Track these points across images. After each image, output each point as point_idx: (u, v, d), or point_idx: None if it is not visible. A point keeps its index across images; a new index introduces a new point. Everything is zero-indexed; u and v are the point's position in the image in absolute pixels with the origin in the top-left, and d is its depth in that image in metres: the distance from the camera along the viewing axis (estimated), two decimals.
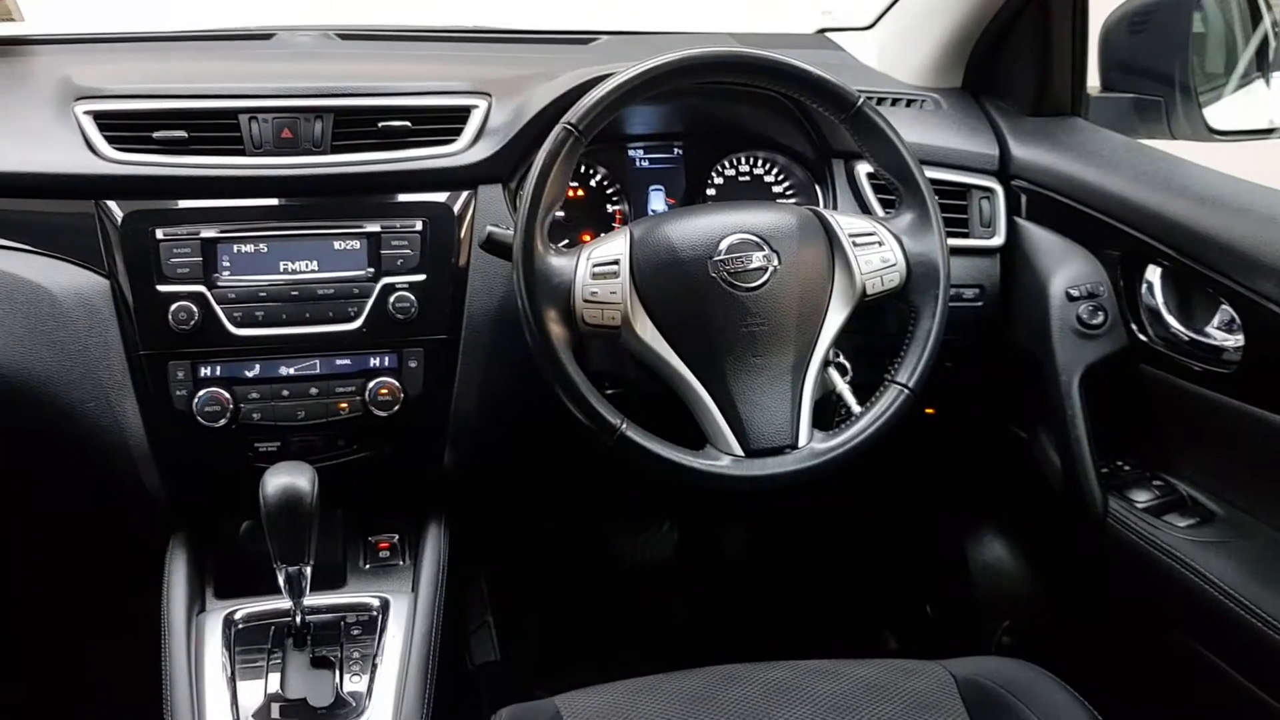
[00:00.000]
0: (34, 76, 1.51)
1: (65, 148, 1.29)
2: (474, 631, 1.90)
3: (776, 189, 1.52)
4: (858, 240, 1.25)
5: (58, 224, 1.27)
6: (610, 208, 1.49)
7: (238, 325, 1.27)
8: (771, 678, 1.20)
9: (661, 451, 1.19)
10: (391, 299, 1.30)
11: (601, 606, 2.08)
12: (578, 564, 2.12)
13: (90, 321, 1.26)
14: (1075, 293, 1.41)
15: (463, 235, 1.34)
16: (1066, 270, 1.43)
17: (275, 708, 1.20)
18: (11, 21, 1.66)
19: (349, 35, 1.71)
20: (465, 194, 1.34)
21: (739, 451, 1.19)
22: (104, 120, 1.30)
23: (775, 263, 1.21)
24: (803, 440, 1.21)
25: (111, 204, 1.27)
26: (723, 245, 1.21)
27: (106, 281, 1.26)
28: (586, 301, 1.19)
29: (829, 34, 1.81)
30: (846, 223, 1.27)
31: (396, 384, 1.32)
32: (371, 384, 1.31)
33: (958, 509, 1.88)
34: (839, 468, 1.22)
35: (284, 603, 1.26)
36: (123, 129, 1.29)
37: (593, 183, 1.48)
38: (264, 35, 1.68)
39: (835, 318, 1.24)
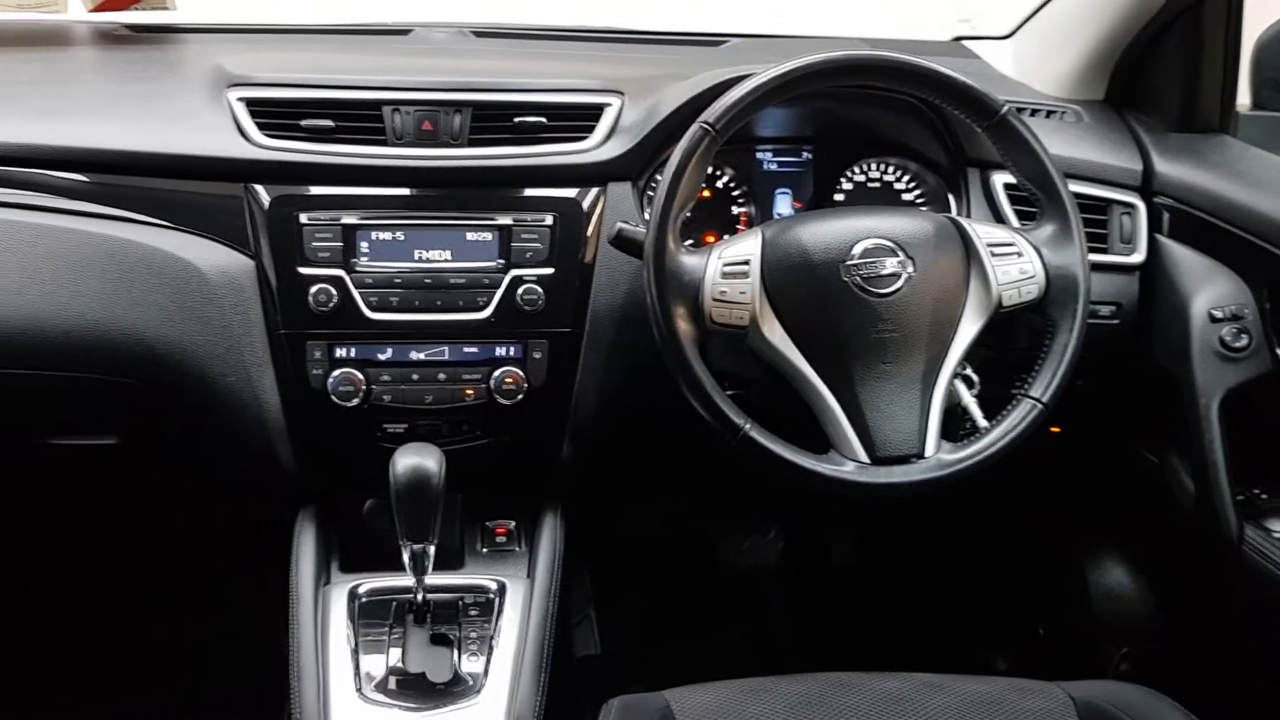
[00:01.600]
0: (186, 63, 1.58)
1: (218, 132, 1.34)
2: (576, 624, 1.92)
3: (907, 196, 1.50)
4: (996, 250, 1.23)
5: (208, 205, 1.32)
6: (736, 209, 1.50)
7: (373, 309, 1.31)
8: (884, 688, 1.18)
9: (785, 454, 1.18)
10: (520, 291, 1.32)
11: (703, 607, 2.08)
12: (682, 563, 2.12)
13: (235, 299, 1.31)
14: (1218, 314, 1.37)
15: (591, 231, 1.35)
16: (1210, 291, 1.39)
17: (394, 680, 1.23)
18: (164, 10, 1.73)
19: (483, 32, 1.74)
20: (595, 190, 1.36)
21: (864, 458, 1.19)
22: (255, 107, 1.35)
23: (910, 269, 1.20)
24: (930, 450, 1.19)
25: (259, 188, 1.31)
26: (856, 250, 1.20)
27: (252, 262, 1.31)
28: (715, 300, 1.19)
29: (965, 42, 1.79)
30: (984, 232, 1.25)
31: (521, 374, 1.34)
32: (497, 372, 1.34)
33: (1078, 530, 1.84)
34: (964, 481, 1.20)
35: (405, 579, 1.29)
36: (272, 116, 1.34)
37: (719, 184, 1.49)
38: (402, 30, 1.73)
39: (969, 328, 1.22)
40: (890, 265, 1.20)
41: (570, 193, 1.35)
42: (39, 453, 1.44)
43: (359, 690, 1.21)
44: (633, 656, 1.96)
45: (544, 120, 1.36)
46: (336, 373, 1.31)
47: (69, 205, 1.33)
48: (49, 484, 1.61)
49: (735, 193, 1.49)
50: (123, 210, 1.32)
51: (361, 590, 1.33)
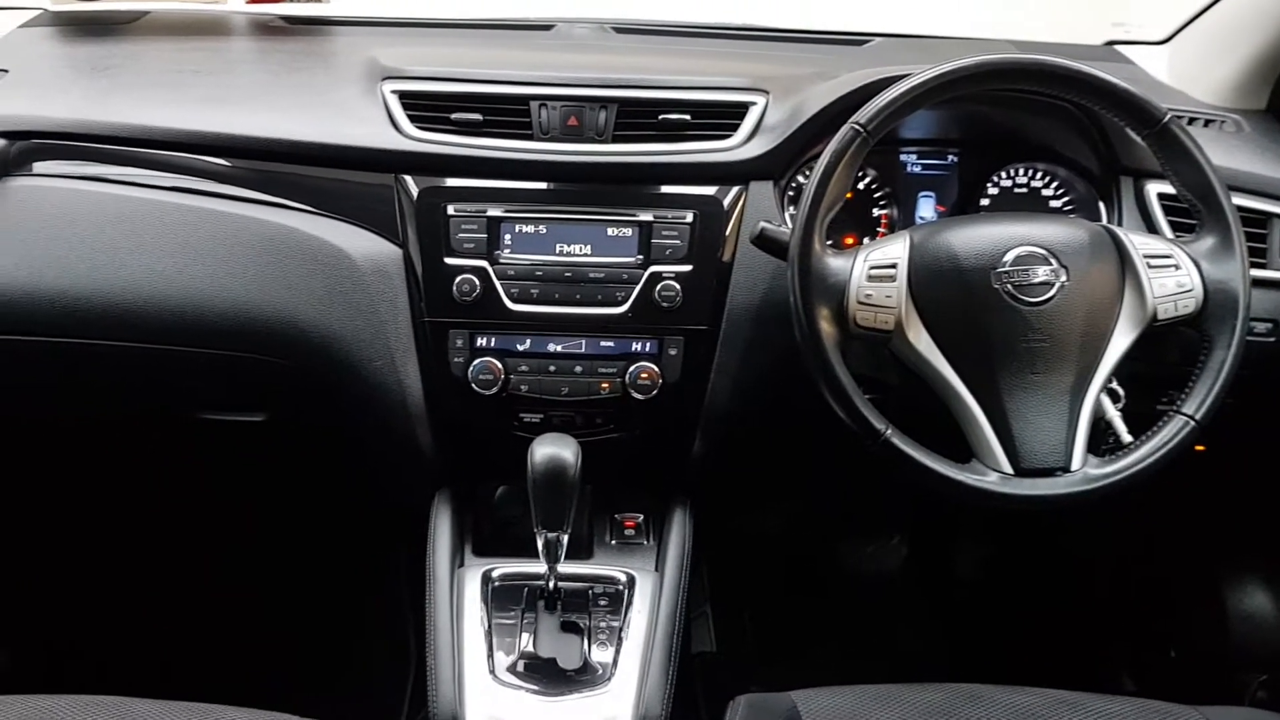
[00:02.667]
0: (340, 55, 1.63)
1: (372, 123, 1.38)
2: (693, 621, 1.93)
3: (1055, 203, 1.47)
4: (1152, 262, 1.20)
5: (360, 194, 1.37)
6: (877, 211, 1.48)
7: (514, 300, 1.33)
8: (1015, 702, 1.16)
9: (927, 461, 1.17)
10: (658, 287, 1.33)
11: (822, 611, 2.07)
12: (802, 565, 2.11)
13: (383, 286, 1.35)
14: None
15: (730, 229, 1.36)
16: None
17: (525, 664, 1.25)
18: (318, 2, 1.79)
19: (624, 29, 1.76)
20: (736, 189, 1.36)
21: (1008, 469, 1.17)
22: (407, 99, 1.38)
23: (1063, 278, 1.18)
24: (1076, 464, 1.17)
25: (409, 179, 1.35)
26: (1008, 257, 1.18)
27: (399, 250, 1.35)
28: (860, 303, 1.18)
29: (1118, 47, 1.74)
30: (1140, 242, 1.21)
31: (656, 369, 1.35)
32: (632, 367, 1.35)
33: (1218, 550, 1.77)
34: (1110, 497, 1.17)
35: (536, 566, 1.31)
36: (423, 109, 1.37)
37: (861, 185, 1.47)
38: (544, 26, 1.75)
39: (1121, 340, 1.19)
40: (1042, 273, 1.18)
41: (711, 191, 1.36)
42: (191, 426, 1.50)
43: (492, 671, 1.24)
44: (749, 656, 1.96)
45: (688, 118, 1.37)
46: (477, 361, 1.34)
47: (228, 191, 1.38)
48: (198, 456, 1.68)
49: (877, 195, 1.47)
50: (279, 197, 1.38)
51: (495, 574, 1.36)
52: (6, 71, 1.50)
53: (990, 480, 1.17)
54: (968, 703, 1.16)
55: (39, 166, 1.40)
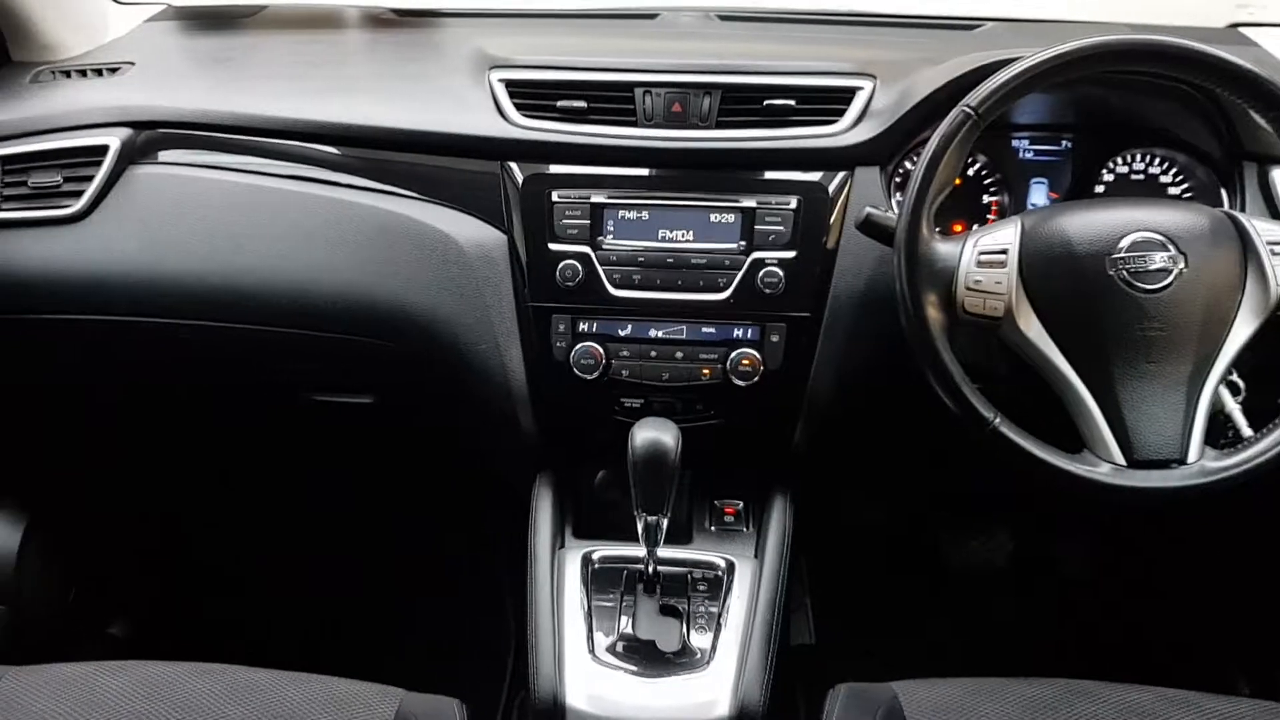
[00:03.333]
0: (449, 46, 1.65)
1: (479, 112, 1.40)
2: (791, 613, 1.92)
3: (1173, 190, 1.42)
4: (1277, 249, 1.15)
5: (467, 181, 1.39)
6: (987, 199, 1.45)
7: (616, 286, 1.34)
8: (1126, 699, 1.13)
9: (1036, 451, 1.15)
10: (760, 274, 1.33)
11: (923, 605, 2.04)
12: (902, 558, 2.08)
13: (488, 272, 1.37)
14: None
15: (835, 216, 1.34)
16: None
17: (624, 645, 1.26)
18: None
19: (728, 16, 1.75)
20: (841, 175, 1.35)
21: (1120, 460, 1.13)
22: (514, 88, 1.40)
23: (1181, 265, 1.14)
24: (1193, 456, 1.13)
25: (514, 166, 1.37)
26: (1124, 242, 1.15)
27: (504, 237, 1.37)
28: (969, 289, 1.16)
29: (1241, 29, 1.67)
30: (1265, 228, 1.17)
31: (758, 356, 1.35)
32: (734, 354, 1.35)
33: None
34: (1228, 491, 1.13)
35: (635, 549, 1.32)
36: (529, 97, 1.39)
37: (971, 172, 1.45)
38: (648, 15, 1.76)
39: (1242, 330, 1.15)
40: (1160, 260, 1.14)
41: (816, 176, 1.35)
42: (303, 407, 1.55)
43: (591, 651, 1.25)
44: (848, 650, 1.94)
45: (793, 103, 1.36)
46: (579, 346, 1.35)
47: (341, 179, 1.42)
48: (309, 435, 1.73)
49: (987, 181, 1.44)
50: (389, 185, 1.41)
51: (595, 556, 1.37)
52: (133, 64, 1.56)
53: (1102, 471, 1.14)
54: (1076, 698, 1.14)
55: (164, 155, 1.46)
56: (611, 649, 1.26)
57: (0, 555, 1.57)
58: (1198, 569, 1.90)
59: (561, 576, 1.34)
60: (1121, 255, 1.15)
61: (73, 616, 1.73)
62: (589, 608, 1.30)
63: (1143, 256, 1.14)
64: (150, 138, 1.45)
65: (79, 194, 1.41)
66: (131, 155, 1.43)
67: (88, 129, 1.44)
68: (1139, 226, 1.16)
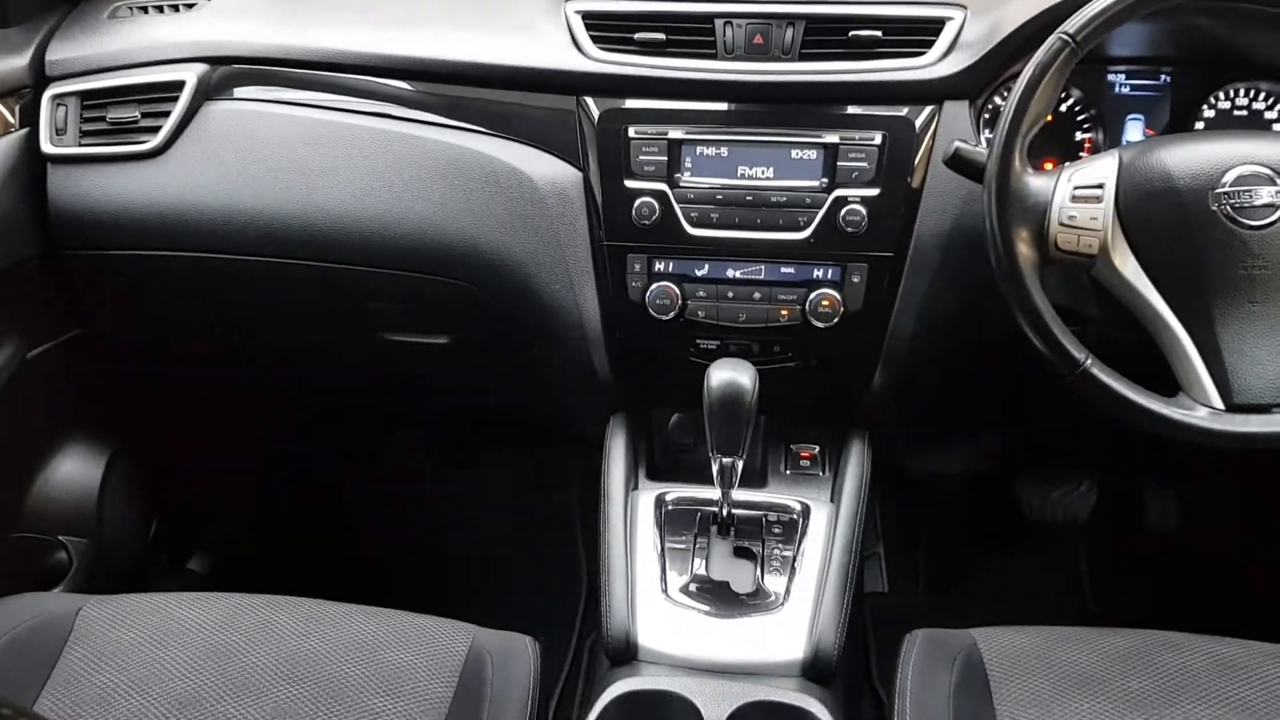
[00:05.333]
0: None
1: (554, 45, 1.37)
2: (865, 560, 1.89)
3: (1278, 128, 1.35)
4: None
5: (542, 117, 1.37)
6: (1080, 135, 1.39)
7: (693, 225, 1.32)
8: (1216, 651, 1.10)
9: (1129, 394, 1.10)
10: (842, 212, 1.29)
11: (1001, 557, 2.00)
12: (981, 508, 2.05)
13: (563, 210, 1.35)
14: None
15: (921, 152, 1.30)
16: None
17: (697, 585, 1.25)
18: None
19: None
20: (929, 109, 1.30)
21: (1218, 404, 1.09)
22: (590, 20, 1.37)
23: None
24: None
25: (590, 101, 1.34)
26: (1228, 177, 1.09)
27: (579, 174, 1.35)
28: (1063, 225, 1.12)
29: None
30: None
31: (838, 297, 1.32)
32: (813, 295, 1.32)
33: None
34: None
35: (709, 492, 1.31)
36: (606, 29, 1.36)
37: (1064, 107, 1.39)
38: None
39: None
40: (1266, 195, 1.09)
41: (902, 111, 1.30)
42: (379, 347, 1.55)
43: (664, 591, 1.24)
44: (922, 599, 1.92)
45: (879, 34, 1.31)
46: (654, 286, 1.33)
47: (414, 115, 1.41)
48: (385, 377, 1.74)
49: (1080, 117, 1.38)
50: (462, 121, 1.40)
51: (668, 498, 1.36)
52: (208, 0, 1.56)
53: (1199, 416, 1.09)
54: (1162, 650, 1.11)
55: (239, 91, 1.46)
56: (685, 589, 1.24)
57: (82, 488, 1.60)
58: None
59: (634, 517, 1.33)
60: (1226, 190, 1.09)
61: (153, 551, 1.76)
62: (662, 548, 1.29)
63: (1248, 191, 1.09)
64: (226, 73, 1.45)
65: (156, 129, 1.42)
66: (207, 91, 1.44)
67: (164, 64, 1.44)
68: (1245, 160, 1.10)
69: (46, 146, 1.44)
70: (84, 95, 1.45)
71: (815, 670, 1.17)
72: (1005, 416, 1.77)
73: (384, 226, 1.39)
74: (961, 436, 1.94)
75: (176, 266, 1.46)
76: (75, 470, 1.61)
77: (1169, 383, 1.13)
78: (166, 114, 1.42)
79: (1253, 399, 1.08)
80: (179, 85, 1.42)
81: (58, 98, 1.45)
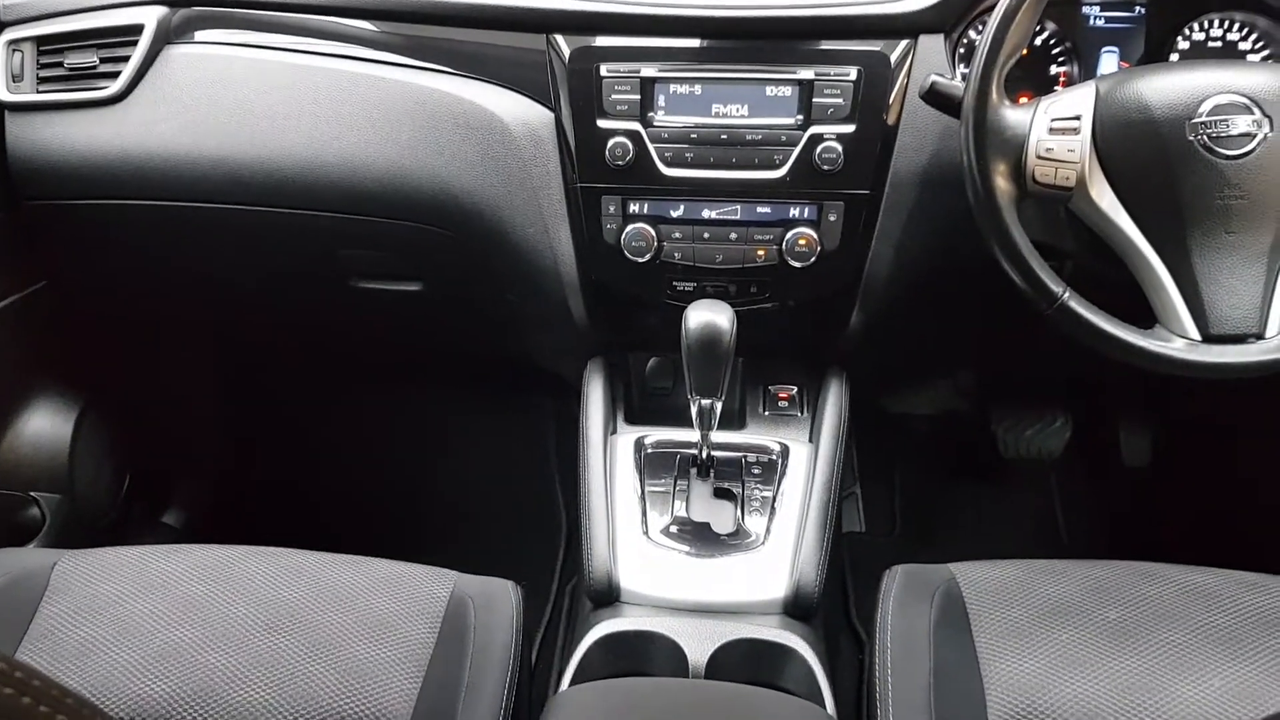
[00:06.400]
0: None
1: None
2: (842, 500, 1.91)
3: (1253, 58, 1.34)
4: None
5: (511, 57, 1.34)
6: (1055, 69, 1.38)
7: (667, 165, 1.30)
8: (1193, 581, 1.11)
9: (1107, 327, 1.11)
10: (818, 149, 1.28)
11: (976, 493, 2.02)
12: (955, 445, 2.06)
13: (535, 152, 1.33)
14: None
15: (897, 88, 1.29)
16: None
17: (678, 526, 1.25)
18: None
19: None
20: (904, 44, 1.29)
21: (1194, 335, 1.09)
22: None
23: (1266, 129, 1.08)
24: (1271, 330, 1.09)
25: (560, 39, 1.31)
26: (1205, 106, 1.09)
27: (551, 114, 1.32)
28: (1040, 158, 1.11)
29: None
30: None
31: (814, 236, 1.31)
32: (790, 234, 1.31)
33: None
34: None
35: (688, 434, 1.31)
36: None
37: (1039, 40, 1.37)
38: None
39: None
40: (1243, 124, 1.08)
41: (877, 46, 1.29)
42: (351, 295, 1.53)
43: (645, 533, 1.24)
44: (899, 538, 1.93)
45: None
46: (630, 228, 1.32)
47: (378, 56, 1.38)
48: (358, 326, 1.72)
49: (1055, 50, 1.37)
50: (429, 62, 1.37)
51: (647, 441, 1.36)
52: None
53: (1175, 347, 1.09)
54: (1140, 580, 1.12)
55: (200, 35, 1.43)
56: (666, 531, 1.25)
57: (53, 443, 1.58)
58: (1259, 454, 1.86)
59: (614, 461, 1.33)
60: (1202, 120, 1.09)
61: (127, 505, 1.75)
62: (642, 491, 1.29)
63: (1225, 121, 1.08)
64: (186, 16, 1.42)
65: (115, 75, 1.39)
66: (167, 35, 1.40)
67: (122, 7, 1.41)
68: (1222, 89, 1.10)
69: (3, 94, 1.41)
70: (40, 40, 1.41)
71: (797, 607, 1.18)
72: (980, 354, 1.78)
73: (352, 171, 1.37)
74: (937, 375, 1.95)
75: (141, 215, 1.43)
76: (45, 425, 1.58)
77: (1146, 315, 1.14)
78: (126, 59, 1.39)
79: (1229, 330, 1.09)
80: (138, 29, 1.39)
81: (13, 43, 1.41)
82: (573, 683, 1.10)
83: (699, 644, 1.12)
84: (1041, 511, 1.99)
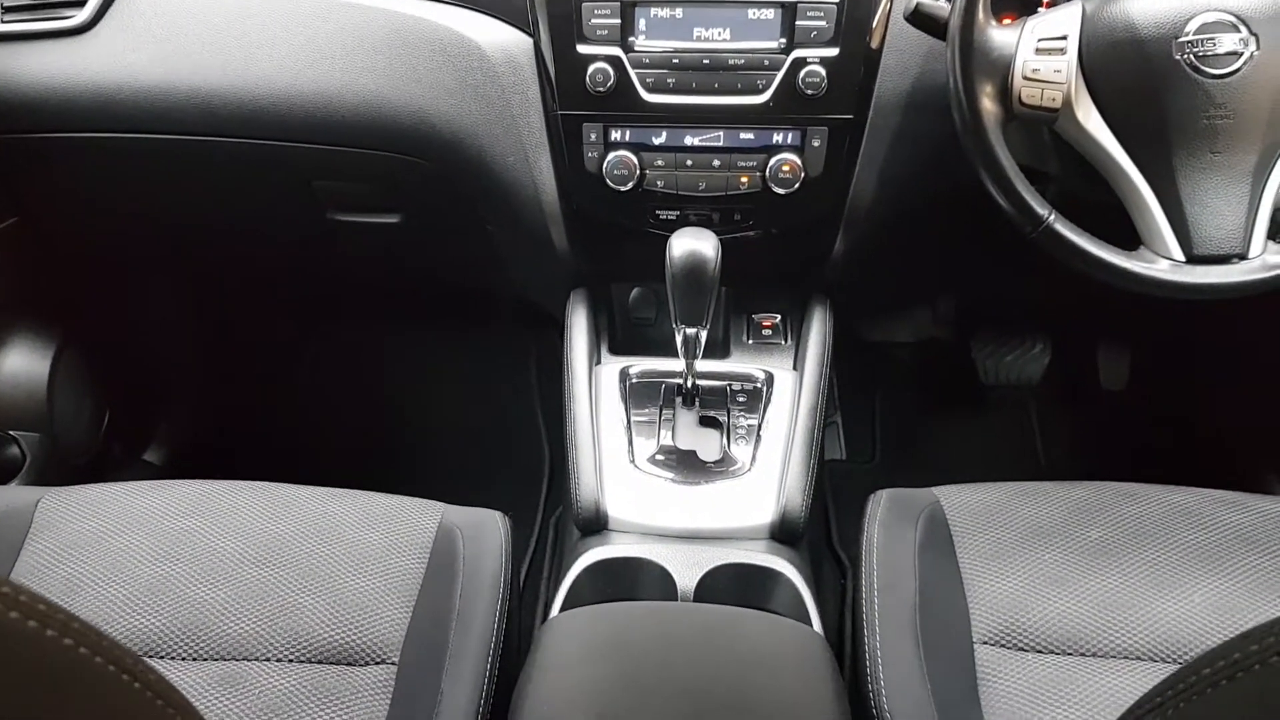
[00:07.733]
0: None
1: None
2: (825, 427, 1.92)
3: None
4: None
5: None
6: None
7: (649, 91, 1.28)
8: (1172, 500, 1.13)
9: (1091, 249, 1.11)
10: (801, 74, 1.26)
11: (957, 419, 2.04)
12: (937, 373, 2.07)
13: (514, 78, 1.31)
14: None
15: (881, 9, 1.27)
16: None
17: (664, 454, 1.26)
18: None
19: None
20: None
21: (1179, 256, 1.09)
22: None
23: (1253, 48, 1.07)
24: (1255, 250, 1.09)
25: None
26: (1192, 25, 1.08)
27: (530, 40, 1.30)
28: (1026, 79, 1.10)
29: None
30: None
31: (798, 162, 1.29)
32: (773, 160, 1.29)
33: None
34: None
35: (673, 364, 1.30)
36: None
37: None
38: None
39: None
40: (1229, 43, 1.07)
41: None
42: (328, 227, 1.51)
43: (632, 461, 1.25)
44: (878, 466, 1.95)
45: None
46: (611, 155, 1.30)
47: None
48: (337, 259, 1.71)
49: None
50: None
51: (632, 371, 1.36)
52: None
53: (1160, 268, 1.10)
54: (1121, 500, 1.13)
55: None
56: (652, 459, 1.25)
57: (31, 381, 1.56)
58: (1235, 373, 1.88)
59: (599, 391, 1.33)
60: (1189, 38, 1.08)
61: (107, 443, 1.74)
62: (628, 420, 1.29)
63: (1211, 39, 1.07)
64: None
65: (83, 3, 1.35)
66: None
67: None
68: (1209, 6, 1.08)
69: None
70: None
71: (783, 532, 1.19)
72: (963, 280, 1.78)
73: (327, 100, 1.34)
74: (919, 302, 1.95)
75: (113, 148, 1.40)
76: (22, 363, 1.57)
77: (1130, 237, 1.13)
78: None
79: (1212, 250, 1.09)
80: None
81: None
82: (563, 609, 1.11)
83: (687, 569, 1.13)
84: (1021, 437, 2.00)
